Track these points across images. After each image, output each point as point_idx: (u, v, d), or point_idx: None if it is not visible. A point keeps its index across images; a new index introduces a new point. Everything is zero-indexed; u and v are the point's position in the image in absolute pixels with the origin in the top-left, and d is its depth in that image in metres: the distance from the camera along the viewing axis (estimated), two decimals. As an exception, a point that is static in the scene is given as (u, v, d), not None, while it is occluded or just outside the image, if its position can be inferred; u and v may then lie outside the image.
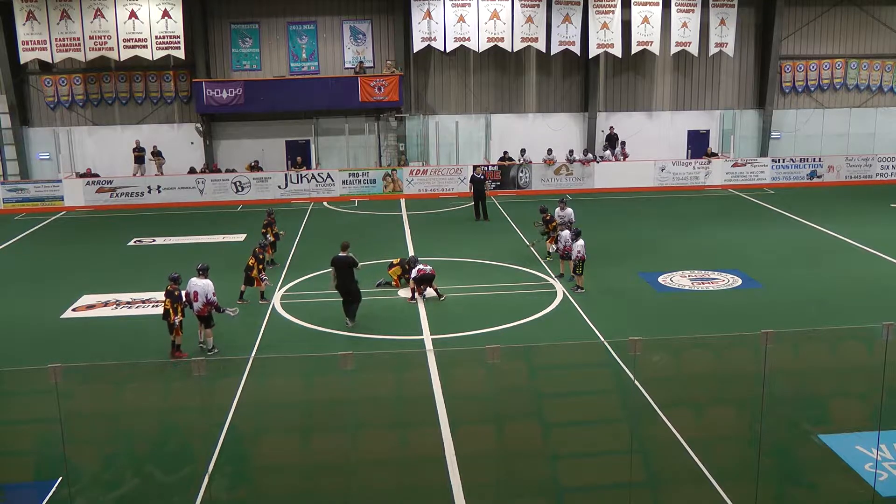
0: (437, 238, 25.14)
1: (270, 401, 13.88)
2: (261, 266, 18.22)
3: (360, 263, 15.83)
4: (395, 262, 19.86)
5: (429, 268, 18.71)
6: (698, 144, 36.05)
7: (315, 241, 25.32)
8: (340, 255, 15.78)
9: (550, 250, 21.52)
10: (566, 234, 19.93)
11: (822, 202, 29.88)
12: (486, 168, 32.88)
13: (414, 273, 18.59)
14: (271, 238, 21.51)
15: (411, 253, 21.59)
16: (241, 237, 26.22)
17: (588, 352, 15.32)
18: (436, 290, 18.76)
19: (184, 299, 15.23)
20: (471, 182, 29.55)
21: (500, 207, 30.06)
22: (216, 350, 15.88)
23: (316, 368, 14.64)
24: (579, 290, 18.92)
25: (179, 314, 15.17)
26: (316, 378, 14.25)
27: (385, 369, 14.57)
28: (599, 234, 24.59)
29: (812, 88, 35.91)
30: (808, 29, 35.53)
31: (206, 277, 15.98)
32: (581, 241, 19.04)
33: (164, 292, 15.63)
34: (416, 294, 18.39)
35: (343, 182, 33.11)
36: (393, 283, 19.47)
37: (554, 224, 22.12)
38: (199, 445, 12.14)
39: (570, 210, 22.44)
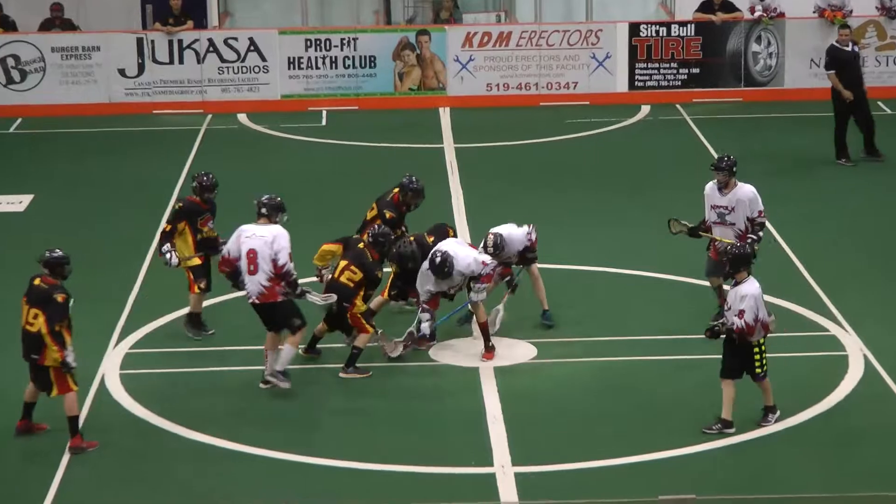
0: (545, 216, 22.55)
1: None
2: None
3: None
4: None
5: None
6: None
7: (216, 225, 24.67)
8: None
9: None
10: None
11: None
12: (655, 33, 31.33)
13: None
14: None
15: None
16: (19, 202, 25.50)
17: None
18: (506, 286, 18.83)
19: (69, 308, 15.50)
20: (832, 66, 26.72)
21: (695, 129, 29.00)
22: None
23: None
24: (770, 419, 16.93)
25: (67, 340, 15.16)
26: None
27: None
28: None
29: None
30: None
31: None
32: (756, 286, 16.89)
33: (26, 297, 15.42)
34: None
35: (291, 64, 31.26)
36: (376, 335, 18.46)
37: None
38: None
39: (747, 189, 19.98)
